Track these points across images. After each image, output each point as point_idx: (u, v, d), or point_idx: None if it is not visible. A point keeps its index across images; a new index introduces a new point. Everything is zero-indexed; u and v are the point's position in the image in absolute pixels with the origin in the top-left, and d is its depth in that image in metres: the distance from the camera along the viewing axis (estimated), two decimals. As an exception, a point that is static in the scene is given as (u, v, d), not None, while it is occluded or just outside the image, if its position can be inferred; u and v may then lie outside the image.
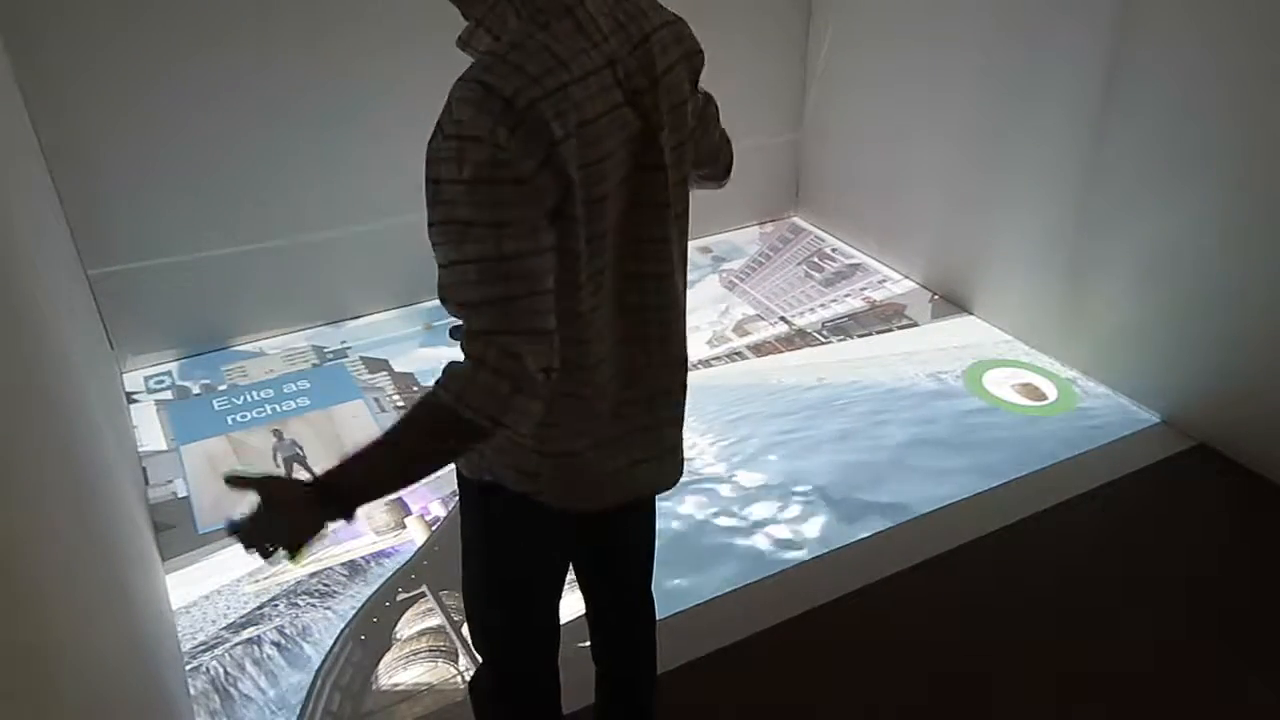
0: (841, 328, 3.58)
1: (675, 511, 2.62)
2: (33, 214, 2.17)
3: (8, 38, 2.63)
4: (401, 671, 2.21)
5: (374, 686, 2.17)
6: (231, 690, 2.17)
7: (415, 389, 3.13)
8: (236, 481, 1.13)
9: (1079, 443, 2.87)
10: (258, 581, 2.46)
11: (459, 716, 2.00)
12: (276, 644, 2.28)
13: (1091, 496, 2.66)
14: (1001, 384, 3.21)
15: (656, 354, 1.34)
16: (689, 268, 1.38)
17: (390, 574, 2.49)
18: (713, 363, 3.39)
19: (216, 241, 3.24)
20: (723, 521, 2.63)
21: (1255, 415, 2.68)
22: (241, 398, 3.17)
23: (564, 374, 1.17)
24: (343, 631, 2.32)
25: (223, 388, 3.23)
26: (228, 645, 2.28)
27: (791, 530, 2.59)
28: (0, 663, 0.84)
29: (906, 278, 3.86)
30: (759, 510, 2.66)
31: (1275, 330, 2.57)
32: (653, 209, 1.24)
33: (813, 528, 2.59)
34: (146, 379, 3.28)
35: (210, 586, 2.44)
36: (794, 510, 2.66)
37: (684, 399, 1.42)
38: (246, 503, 1.13)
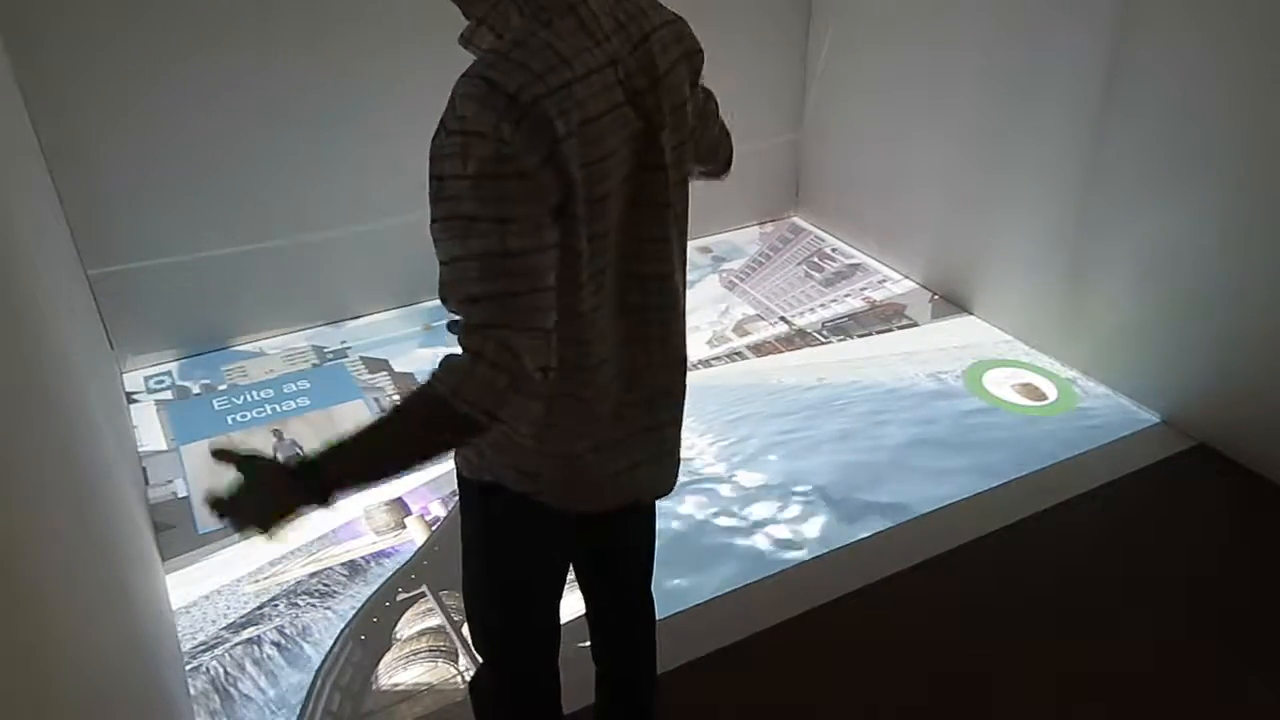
0: (841, 328, 3.58)
1: (675, 511, 2.62)
2: (33, 214, 2.17)
3: (8, 38, 2.63)
4: (401, 671, 2.21)
5: (374, 686, 2.17)
6: (231, 690, 2.17)
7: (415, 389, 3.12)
8: (222, 454, 1.13)
9: (1079, 443, 2.87)
10: (258, 582, 2.46)
11: (459, 716, 2.00)
12: (276, 644, 2.28)
13: (1091, 496, 2.66)
14: (1001, 384, 3.21)
15: (657, 354, 1.34)
16: (689, 268, 1.38)
17: (390, 574, 2.49)
18: (713, 363, 3.39)
19: (216, 241, 3.24)
20: (723, 522, 2.63)
21: (1255, 415, 2.68)
22: (241, 398, 3.17)
23: (565, 375, 1.16)
24: (343, 631, 2.32)
25: (223, 388, 3.23)
26: (228, 645, 2.28)
27: (791, 530, 2.59)
28: (0, 663, 0.84)
29: (906, 278, 3.86)
30: (759, 510, 2.66)
31: (1275, 330, 2.57)
32: (653, 209, 1.24)
33: (813, 528, 2.59)
34: (146, 379, 3.27)
35: (210, 586, 2.44)
36: (794, 510, 2.66)
37: (683, 400, 1.42)
38: (229, 477, 1.13)
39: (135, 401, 3.16)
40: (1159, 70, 2.69)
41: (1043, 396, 3.13)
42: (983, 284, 3.55)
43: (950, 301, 3.68)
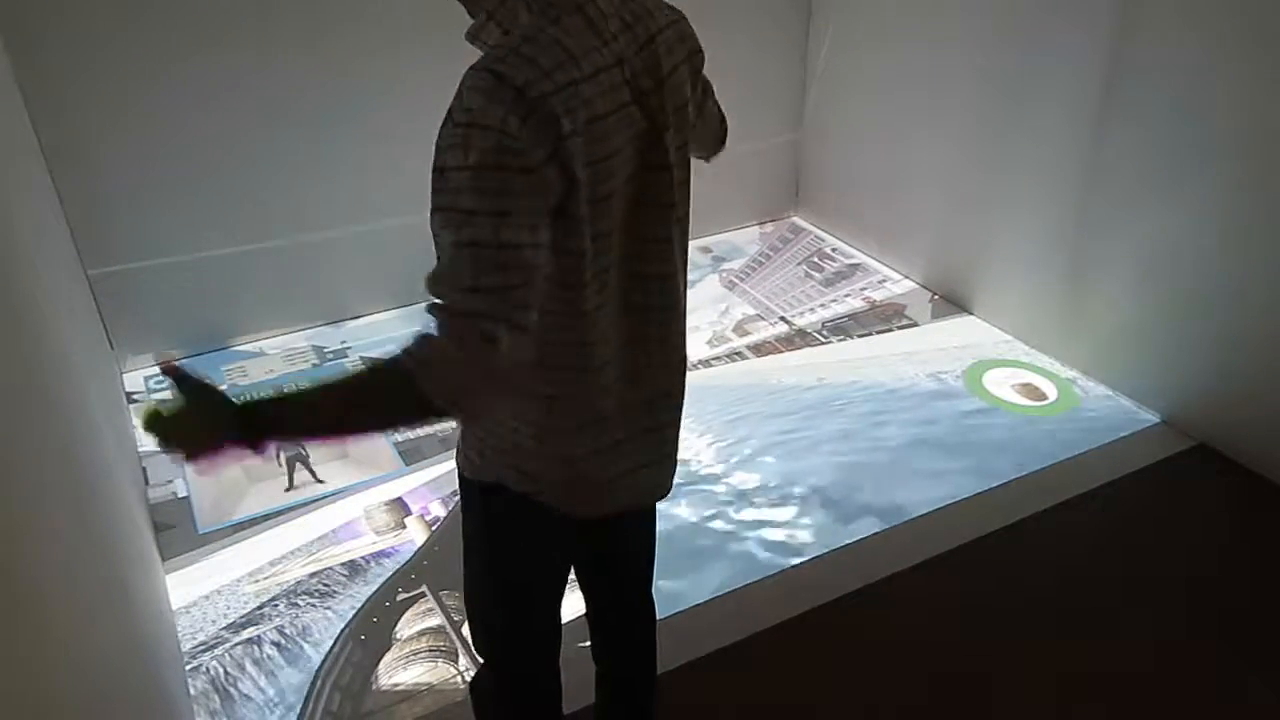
0: (841, 328, 3.58)
1: (674, 512, 2.62)
2: (33, 214, 2.17)
3: (8, 38, 2.63)
4: (401, 671, 2.21)
5: (374, 686, 2.17)
6: (231, 690, 2.17)
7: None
8: (170, 371, 1.12)
9: (1079, 443, 2.87)
10: (258, 582, 2.46)
11: (459, 716, 2.00)
12: (276, 644, 2.28)
13: (1091, 496, 2.66)
14: (1001, 384, 3.21)
15: (656, 355, 1.34)
16: (689, 268, 1.38)
17: (390, 574, 2.49)
18: (712, 363, 3.39)
19: (216, 241, 3.23)
20: (722, 522, 2.63)
21: (1255, 415, 2.68)
22: (242, 398, 3.15)
23: (568, 376, 1.16)
24: (343, 631, 2.32)
25: (223, 388, 3.22)
26: (228, 645, 2.28)
27: (791, 531, 2.59)
28: (0, 663, 0.84)
29: (906, 278, 3.86)
30: (758, 511, 2.66)
31: (1275, 330, 2.57)
32: (656, 209, 1.24)
33: (812, 528, 2.59)
34: (146, 379, 3.27)
35: (210, 586, 2.44)
36: (793, 510, 2.66)
37: (683, 401, 1.42)
38: (171, 395, 1.12)
39: (135, 401, 3.16)
40: (1159, 70, 2.69)
41: (1043, 396, 3.13)
42: (983, 284, 3.55)
43: (950, 301, 3.68)
